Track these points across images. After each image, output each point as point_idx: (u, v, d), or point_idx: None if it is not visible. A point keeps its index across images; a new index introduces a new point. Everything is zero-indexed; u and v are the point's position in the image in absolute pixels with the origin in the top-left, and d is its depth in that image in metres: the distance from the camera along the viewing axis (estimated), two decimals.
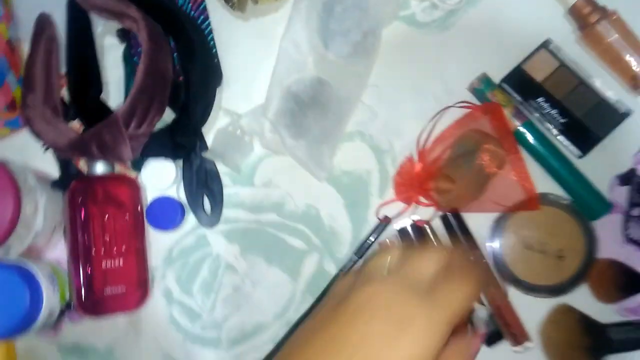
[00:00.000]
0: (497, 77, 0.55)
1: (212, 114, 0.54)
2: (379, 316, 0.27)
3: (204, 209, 0.54)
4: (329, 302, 0.31)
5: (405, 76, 0.56)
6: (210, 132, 0.55)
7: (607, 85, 0.53)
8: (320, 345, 0.28)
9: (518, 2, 0.56)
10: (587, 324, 0.49)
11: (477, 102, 0.54)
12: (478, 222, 0.53)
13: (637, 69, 0.51)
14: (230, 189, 0.55)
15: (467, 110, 0.53)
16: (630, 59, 0.51)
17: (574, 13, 0.53)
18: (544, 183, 0.53)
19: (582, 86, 0.53)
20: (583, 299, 0.51)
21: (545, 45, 0.54)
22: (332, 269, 0.54)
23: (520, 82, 0.54)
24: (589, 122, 0.52)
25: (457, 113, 0.54)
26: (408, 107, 0.56)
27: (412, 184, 0.51)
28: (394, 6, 0.56)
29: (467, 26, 0.56)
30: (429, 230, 0.53)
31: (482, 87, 0.53)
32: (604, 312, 0.51)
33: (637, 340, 0.48)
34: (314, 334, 0.28)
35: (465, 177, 0.50)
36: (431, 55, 0.56)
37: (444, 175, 0.50)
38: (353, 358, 0.26)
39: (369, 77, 0.56)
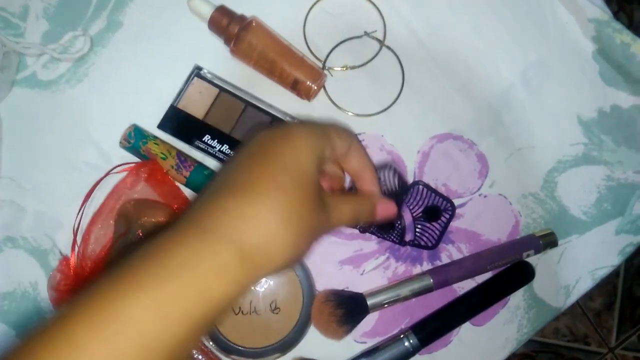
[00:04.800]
0: (156, 123, 0.46)
1: None
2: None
3: None
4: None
5: (47, 149, 0.45)
6: None
7: (278, 99, 0.47)
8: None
9: (157, 29, 0.47)
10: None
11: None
12: None
13: (295, 74, 0.45)
14: None
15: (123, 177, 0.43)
16: (284, 64, 0.45)
17: (214, 27, 0.46)
18: None
19: (250, 109, 0.46)
20: (317, 343, 0.45)
21: (196, 73, 0.46)
22: None
23: (178, 123, 0.45)
24: None
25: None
26: (60, 187, 0.45)
27: (74, 290, 0.41)
28: (7, 73, 0.45)
29: (104, 71, 0.46)
30: None
31: (134, 142, 0.44)
32: (345, 346, 0.46)
33: None
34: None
35: None
36: (71, 116, 0.46)
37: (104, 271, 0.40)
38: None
39: None
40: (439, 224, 0.46)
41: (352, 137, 0.35)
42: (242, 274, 0.25)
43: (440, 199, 0.45)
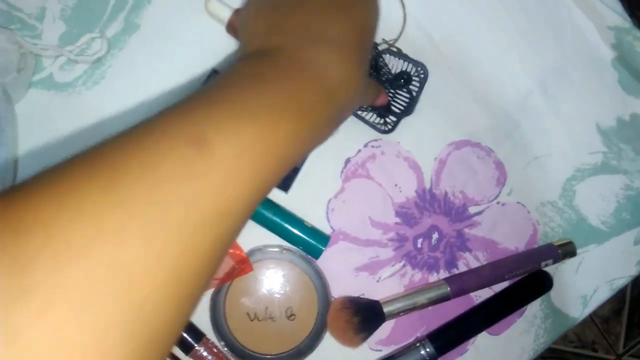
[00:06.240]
0: None
1: None
2: None
3: None
4: None
5: (63, 151, 0.44)
6: None
7: None
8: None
9: (174, 32, 0.47)
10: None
11: None
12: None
13: None
14: None
15: None
16: None
17: (232, 31, 0.45)
18: (255, 233, 0.45)
19: None
20: (332, 350, 0.45)
21: (213, 76, 0.46)
22: None
23: None
24: None
25: None
26: None
27: None
28: (24, 74, 0.44)
29: (121, 73, 0.46)
30: None
31: None
32: (361, 354, 0.45)
33: None
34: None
35: None
36: (87, 118, 0.46)
37: None
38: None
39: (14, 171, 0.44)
40: (409, 90, 0.44)
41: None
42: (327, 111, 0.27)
43: (410, 65, 0.43)
